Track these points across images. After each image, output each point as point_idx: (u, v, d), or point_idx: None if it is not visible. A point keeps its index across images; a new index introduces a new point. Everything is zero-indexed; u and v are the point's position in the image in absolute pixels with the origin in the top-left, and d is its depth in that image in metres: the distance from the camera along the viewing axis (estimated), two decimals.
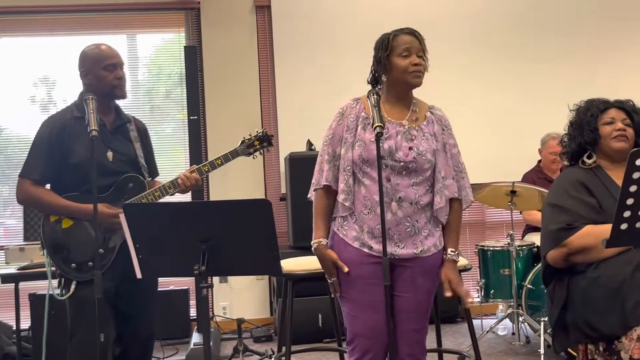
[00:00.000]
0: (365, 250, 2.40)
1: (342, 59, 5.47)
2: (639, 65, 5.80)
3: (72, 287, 2.70)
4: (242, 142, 2.97)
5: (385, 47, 2.45)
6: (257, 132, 2.99)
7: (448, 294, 2.43)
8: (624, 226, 1.91)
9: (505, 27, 5.72)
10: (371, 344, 2.38)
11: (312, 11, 5.57)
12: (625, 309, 2.30)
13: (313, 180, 2.53)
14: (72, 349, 2.71)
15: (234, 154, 2.92)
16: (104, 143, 2.78)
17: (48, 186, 2.83)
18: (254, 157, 3.00)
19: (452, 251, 2.46)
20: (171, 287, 5.10)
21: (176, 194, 2.88)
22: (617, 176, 2.50)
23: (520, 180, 4.80)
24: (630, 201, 1.89)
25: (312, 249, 2.49)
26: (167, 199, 2.80)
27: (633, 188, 1.87)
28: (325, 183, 2.47)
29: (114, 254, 2.74)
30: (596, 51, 5.75)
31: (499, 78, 5.66)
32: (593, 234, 2.39)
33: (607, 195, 2.49)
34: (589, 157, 2.64)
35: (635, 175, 1.86)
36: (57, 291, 2.77)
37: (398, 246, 2.39)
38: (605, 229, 2.00)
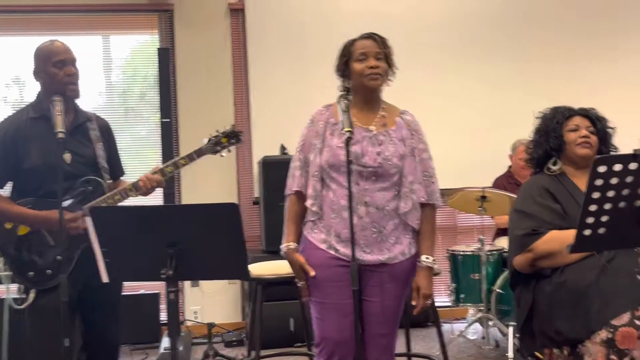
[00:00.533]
0: (332, 252, 2.41)
1: (317, 63, 5.44)
2: (635, 64, 5.79)
3: (31, 295, 2.60)
4: (209, 140, 2.83)
5: (344, 54, 2.49)
6: (224, 128, 2.85)
7: (414, 302, 2.44)
8: (587, 232, 1.94)
9: (489, 28, 5.69)
10: (338, 348, 2.38)
11: (286, 15, 5.56)
12: (589, 313, 2.33)
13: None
14: (32, 358, 2.62)
15: (199, 153, 2.79)
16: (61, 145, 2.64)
17: (9, 187, 2.70)
18: (221, 155, 2.84)
19: (426, 258, 2.46)
20: (141, 291, 5.04)
21: (141, 196, 2.77)
22: (581, 182, 2.55)
23: (491, 185, 4.83)
24: (593, 207, 1.91)
25: (282, 252, 2.51)
26: (134, 201, 2.70)
27: (596, 195, 1.90)
28: (296, 189, 2.49)
29: (74, 260, 2.64)
30: (586, 51, 5.72)
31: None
32: (558, 239, 2.42)
33: (572, 202, 2.53)
34: (554, 164, 2.69)
35: (598, 182, 1.88)
36: (17, 297, 2.68)
37: (364, 251, 2.39)
38: (570, 235, 2.03)
